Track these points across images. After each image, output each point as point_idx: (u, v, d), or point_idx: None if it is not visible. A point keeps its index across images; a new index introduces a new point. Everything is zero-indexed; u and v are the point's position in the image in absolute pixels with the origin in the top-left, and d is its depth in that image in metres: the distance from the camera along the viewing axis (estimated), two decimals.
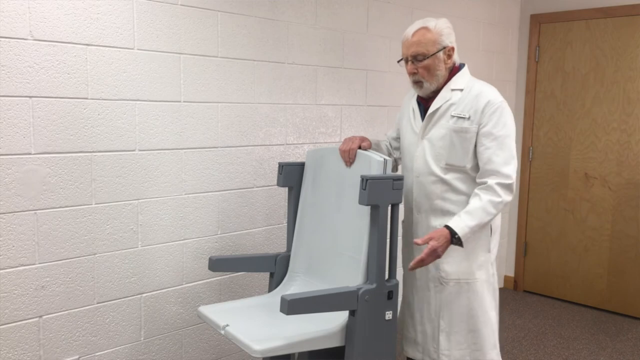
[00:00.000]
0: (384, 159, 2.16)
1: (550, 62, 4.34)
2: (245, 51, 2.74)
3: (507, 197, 2.04)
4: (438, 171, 2.15)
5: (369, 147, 2.29)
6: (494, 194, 2.03)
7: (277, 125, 2.91)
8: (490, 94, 2.10)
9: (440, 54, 2.12)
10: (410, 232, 2.28)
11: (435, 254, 1.99)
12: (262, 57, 2.81)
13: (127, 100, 2.37)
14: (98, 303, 2.38)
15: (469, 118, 2.09)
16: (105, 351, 2.43)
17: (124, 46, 2.34)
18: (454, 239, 2.01)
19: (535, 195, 4.51)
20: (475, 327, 2.17)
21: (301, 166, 2.51)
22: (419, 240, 2.00)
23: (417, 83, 2.17)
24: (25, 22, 2.08)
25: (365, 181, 2.00)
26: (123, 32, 2.33)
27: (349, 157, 2.26)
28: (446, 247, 2.01)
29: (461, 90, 2.14)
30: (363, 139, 2.30)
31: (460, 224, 2.01)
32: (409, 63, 2.15)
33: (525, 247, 4.60)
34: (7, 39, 2.05)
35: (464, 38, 3.98)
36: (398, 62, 2.24)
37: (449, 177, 2.13)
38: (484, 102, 2.08)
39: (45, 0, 2.12)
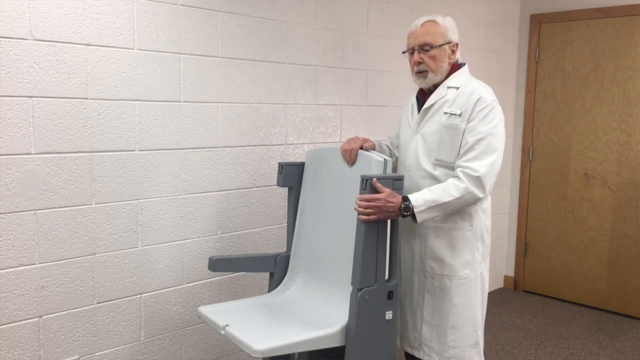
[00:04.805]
0: (384, 159, 2.16)
1: (550, 62, 4.34)
2: (245, 51, 2.74)
3: (473, 187, 2.02)
4: (427, 166, 2.16)
5: (371, 148, 2.29)
6: (459, 179, 2.04)
7: (277, 125, 2.91)
8: (483, 92, 2.11)
9: (446, 47, 2.16)
10: (403, 227, 2.28)
11: (380, 203, 1.97)
12: (262, 57, 2.81)
13: (127, 100, 2.37)
14: (98, 303, 2.38)
15: (460, 115, 2.10)
16: (105, 351, 2.43)
17: (124, 46, 2.34)
18: (403, 204, 2.00)
19: (535, 195, 4.51)
20: (456, 324, 2.18)
21: (301, 166, 2.51)
22: (376, 182, 2.00)
23: (421, 73, 2.18)
24: (25, 22, 2.08)
25: (365, 181, 2.01)
26: (123, 32, 2.33)
27: (350, 157, 2.27)
28: (393, 209, 1.99)
29: (457, 88, 2.16)
30: (365, 140, 2.30)
31: (417, 195, 2.03)
32: (415, 53, 2.17)
33: (525, 247, 4.60)
34: (7, 39, 2.05)
35: (464, 38, 3.97)
36: (403, 52, 2.25)
37: (437, 172, 2.14)
38: (475, 99, 2.09)
39: (45, 0, 2.12)
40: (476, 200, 2.07)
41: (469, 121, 2.08)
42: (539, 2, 4.36)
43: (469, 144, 2.06)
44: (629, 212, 4.04)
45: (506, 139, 4.87)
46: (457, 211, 2.13)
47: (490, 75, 4.26)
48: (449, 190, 2.03)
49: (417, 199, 2.02)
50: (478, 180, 2.02)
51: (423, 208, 2.02)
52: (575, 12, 4.18)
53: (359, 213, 2.00)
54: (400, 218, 2.10)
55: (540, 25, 4.37)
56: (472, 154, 2.05)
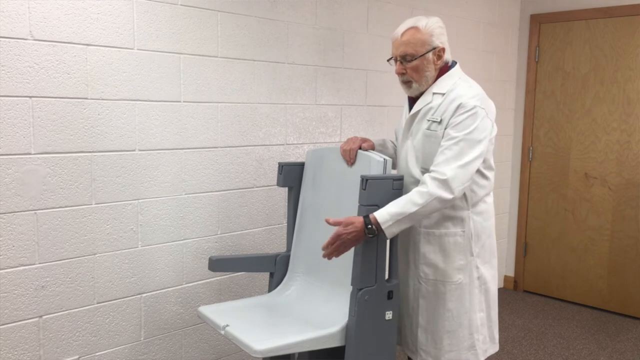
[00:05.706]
0: (384, 159, 2.16)
1: (550, 62, 4.34)
2: (245, 51, 2.74)
3: (437, 190, 1.93)
4: (416, 173, 2.13)
5: (370, 148, 2.29)
6: (423, 185, 1.98)
7: (277, 125, 2.91)
8: (466, 98, 2.02)
9: (430, 55, 2.08)
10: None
11: (340, 240, 1.94)
12: (262, 57, 2.81)
13: (127, 100, 2.37)
14: (98, 303, 2.38)
15: (440, 122, 2.06)
16: (105, 351, 2.43)
17: (124, 46, 2.34)
18: (367, 228, 1.94)
19: (535, 195, 4.51)
20: (452, 329, 2.16)
21: (301, 166, 2.51)
22: (329, 220, 1.97)
23: (406, 83, 2.15)
24: (25, 22, 2.08)
25: (365, 181, 2.00)
26: (123, 32, 2.33)
27: (349, 157, 2.27)
28: (356, 236, 1.94)
29: (443, 94, 2.09)
30: (365, 139, 2.30)
31: (383, 211, 1.96)
32: (398, 63, 2.12)
33: (525, 247, 4.60)
34: (7, 39, 2.05)
35: (464, 38, 3.98)
36: (388, 60, 2.21)
37: None
38: (455, 106, 2.02)
39: (45, 0, 2.12)
40: (446, 203, 1.97)
41: (446, 128, 2.03)
42: (539, 2, 4.36)
43: (441, 148, 2.01)
44: (629, 212, 4.04)
45: (506, 139, 4.86)
46: (449, 217, 2.11)
47: (490, 75, 4.27)
48: (414, 199, 1.95)
49: (383, 215, 1.94)
50: (445, 183, 1.94)
51: (390, 223, 1.94)
52: (575, 12, 4.18)
53: (324, 255, 1.99)
54: None
55: (540, 25, 4.37)
56: (441, 158, 1.99)
